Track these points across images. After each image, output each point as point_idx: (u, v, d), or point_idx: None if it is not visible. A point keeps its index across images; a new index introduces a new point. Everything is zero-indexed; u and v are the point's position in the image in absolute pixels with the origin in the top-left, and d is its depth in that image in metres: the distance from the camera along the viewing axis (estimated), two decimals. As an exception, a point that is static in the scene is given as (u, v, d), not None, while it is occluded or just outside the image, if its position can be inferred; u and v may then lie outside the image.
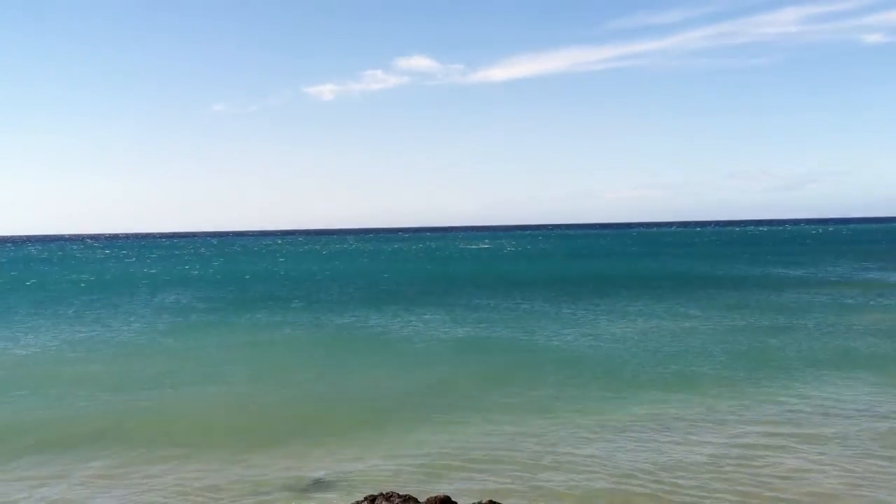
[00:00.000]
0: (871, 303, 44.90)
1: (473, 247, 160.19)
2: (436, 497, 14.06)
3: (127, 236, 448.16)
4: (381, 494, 14.21)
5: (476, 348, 32.58)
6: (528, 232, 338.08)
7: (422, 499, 14.02)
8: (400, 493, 14.17)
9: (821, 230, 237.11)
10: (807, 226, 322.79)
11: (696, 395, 22.90)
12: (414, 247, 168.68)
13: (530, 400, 22.85)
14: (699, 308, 43.71)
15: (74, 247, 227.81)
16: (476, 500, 14.13)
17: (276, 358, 31.12)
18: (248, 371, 28.13)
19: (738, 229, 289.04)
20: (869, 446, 17.80)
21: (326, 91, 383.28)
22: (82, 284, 70.82)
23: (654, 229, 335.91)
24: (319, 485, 15.98)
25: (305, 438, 19.31)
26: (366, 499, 14.19)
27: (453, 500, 14.01)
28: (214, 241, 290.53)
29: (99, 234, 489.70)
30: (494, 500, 14.14)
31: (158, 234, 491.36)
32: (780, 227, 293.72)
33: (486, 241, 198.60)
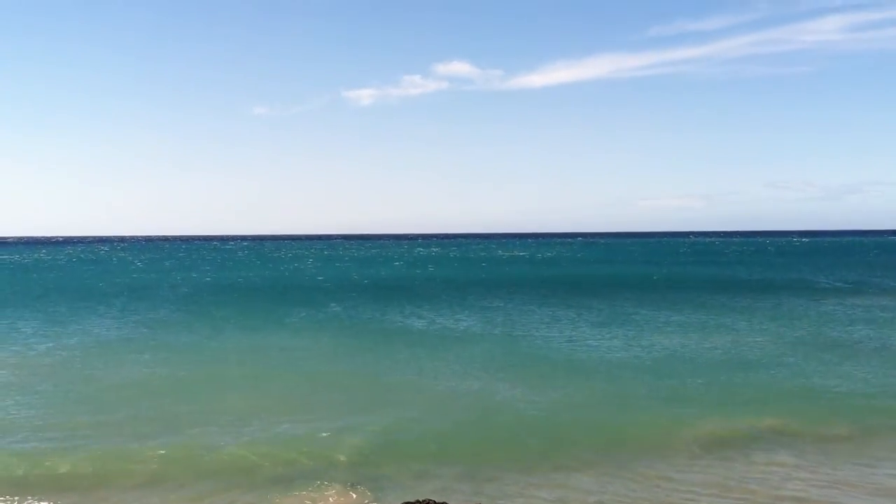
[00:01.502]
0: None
1: (515, 254, 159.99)
2: (470, 507, 14.15)
3: (165, 238, 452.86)
4: (418, 501, 14.35)
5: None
6: (558, 240, 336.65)
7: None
8: (436, 501, 14.29)
9: (868, 241, 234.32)
10: (848, 237, 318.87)
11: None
12: (453, 253, 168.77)
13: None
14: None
15: (118, 249, 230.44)
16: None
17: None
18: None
19: (782, 240, 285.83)
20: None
21: (365, 96, 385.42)
22: (184, 290, 71.64)
23: (689, 238, 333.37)
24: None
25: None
26: (401, 507, 14.32)
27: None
28: (247, 243, 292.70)
29: (135, 237, 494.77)
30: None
31: (196, 236, 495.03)
32: (820, 239, 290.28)
33: (518, 249, 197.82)
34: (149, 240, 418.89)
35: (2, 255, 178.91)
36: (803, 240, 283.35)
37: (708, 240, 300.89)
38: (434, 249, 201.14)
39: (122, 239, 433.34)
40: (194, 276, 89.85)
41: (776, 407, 23.33)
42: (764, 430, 21.05)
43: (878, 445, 19.87)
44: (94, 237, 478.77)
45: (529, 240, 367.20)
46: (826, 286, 68.23)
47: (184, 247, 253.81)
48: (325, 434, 20.45)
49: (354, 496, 16.04)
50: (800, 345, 35.36)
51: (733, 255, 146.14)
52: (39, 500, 15.93)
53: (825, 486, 16.75)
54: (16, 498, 15.97)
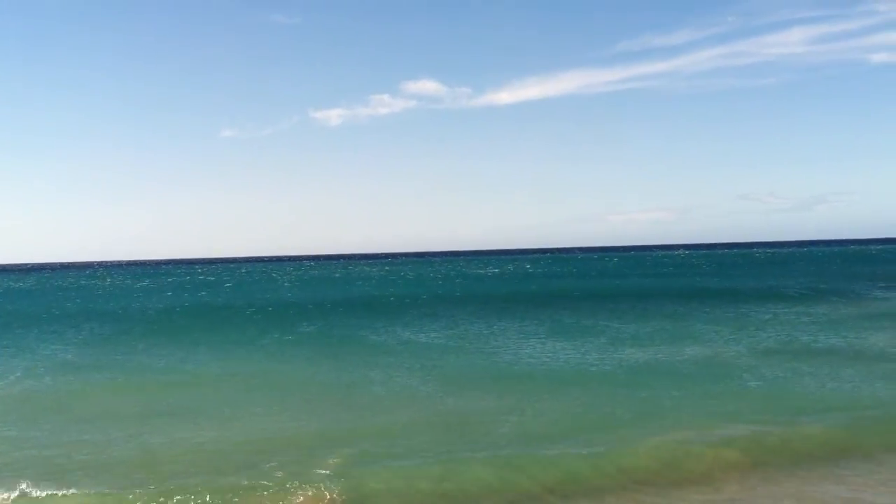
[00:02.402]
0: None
1: (482, 272, 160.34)
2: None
3: (132, 262, 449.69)
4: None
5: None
6: (529, 256, 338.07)
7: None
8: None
9: (835, 251, 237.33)
10: (815, 247, 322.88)
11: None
12: (424, 271, 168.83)
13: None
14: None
15: (83, 274, 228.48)
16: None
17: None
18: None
19: (753, 251, 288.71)
20: None
21: (334, 115, 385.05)
22: (153, 313, 70.89)
23: (660, 252, 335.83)
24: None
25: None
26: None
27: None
28: (217, 266, 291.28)
29: (101, 262, 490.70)
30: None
31: (165, 260, 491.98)
32: (791, 250, 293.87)
33: (490, 266, 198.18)
34: (116, 264, 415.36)
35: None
36: (772, 251, 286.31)
37: (679, 252, 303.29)
38: (405, 268, 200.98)
39: (87, 265, 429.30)
40: (167, 296, 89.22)
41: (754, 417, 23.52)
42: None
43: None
44: (57, 263, 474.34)
45: (500, 256, 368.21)
46: (793, 294, 69.27)
47: (152, 270, 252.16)
48: (302, 459, 20.38)
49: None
50: (769, 353, 35.84)
51: (705, 266, 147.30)
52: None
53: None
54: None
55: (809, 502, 16.56)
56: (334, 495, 17.11)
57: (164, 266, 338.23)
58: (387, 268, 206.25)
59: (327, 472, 18.74)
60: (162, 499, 16.92)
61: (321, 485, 17.73)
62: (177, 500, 16.83)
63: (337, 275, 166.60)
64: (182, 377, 33.77)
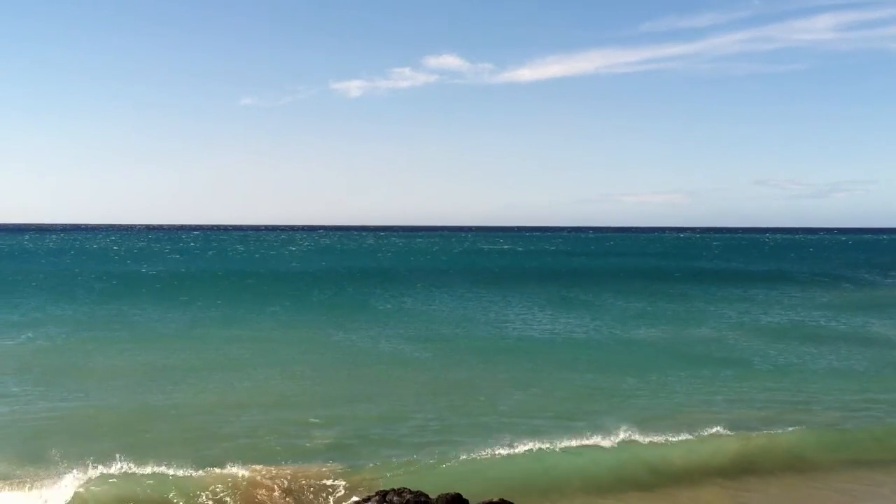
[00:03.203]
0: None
1: (495, 247, 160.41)
2: (447, 494, 14.36)
3: (150, 227, 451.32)
4: (393, 490, 14.53)
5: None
6: (542, 234, 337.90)
7: (433, 495, 14.32)
8: (411, 490, 14.48)
9: (847, 239, 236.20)
10: (831, 235, 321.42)
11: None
12: (438, 246, 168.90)
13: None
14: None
15: (101, 237, 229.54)
16: (487, 500, 14.40)
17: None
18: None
19: (765, 236, 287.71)
20: None
21: (354, 87, 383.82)
22: (166, 279, 71.32)
23: (671, 234, 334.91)
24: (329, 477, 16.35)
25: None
26: (377, 493, 14.51)
27: (464, 497, 14.31)
28: (235, 233, 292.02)
29: (120, 224, 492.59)
30: (506, 499, 14.42)
31: (183, 225, 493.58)
32: (802, 236, 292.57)
33: (503, 242, 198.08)
34: (132, 228, 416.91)
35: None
36: (786, 237, 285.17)
37: (692, 235, 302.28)
38: (420, 241, 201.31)
39: (107, 226, 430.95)
40: (184, 261, 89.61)
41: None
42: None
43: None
44: (77, 224, 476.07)
45: (514, 233, 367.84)
46: (803, 279, 69.31)
47: (169, 235, 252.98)
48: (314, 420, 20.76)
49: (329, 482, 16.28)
50: (776, 336, 35.98)
51: (717, 250, 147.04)
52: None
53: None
54: None
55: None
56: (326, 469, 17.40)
57: (182, 231, 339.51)
58: (400, 241, 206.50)
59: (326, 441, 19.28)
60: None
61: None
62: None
63: (352, 245, 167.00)
64: (190, 343, 33.91)
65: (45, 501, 15.21)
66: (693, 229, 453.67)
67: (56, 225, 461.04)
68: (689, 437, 19.25)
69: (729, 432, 19.69)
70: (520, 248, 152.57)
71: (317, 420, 21.15)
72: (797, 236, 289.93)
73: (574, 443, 18.64)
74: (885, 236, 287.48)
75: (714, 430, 19.69)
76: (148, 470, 16.22)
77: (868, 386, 25.81)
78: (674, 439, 19.03)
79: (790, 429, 20.22)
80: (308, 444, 19.12)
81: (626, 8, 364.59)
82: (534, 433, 19.31)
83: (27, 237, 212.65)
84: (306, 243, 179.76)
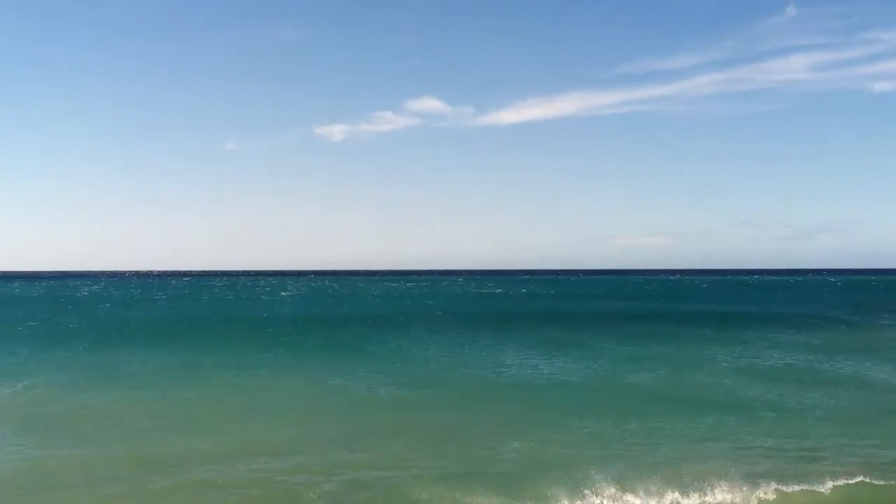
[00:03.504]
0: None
1: (483, 291, 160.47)
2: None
3: (138, 274, 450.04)
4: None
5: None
6: (528, 277, 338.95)
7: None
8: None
9: (835, 280, 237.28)
10: (819, 276, 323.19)
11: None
12: (425, 289, 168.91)
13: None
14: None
15: (86, 284, 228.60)
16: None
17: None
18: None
19: (754, 278, 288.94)
20: None
21: (337, 131, 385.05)
22: (156, 325, 70.93)
23: (659, 277, 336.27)
24: None
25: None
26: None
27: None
28: (219, 280, 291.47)
29: (109, 271, 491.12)
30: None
31: (168, 271, 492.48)
32: (791, 278, 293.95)
33: (490, 286, 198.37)
34: (122, 275, 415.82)
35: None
36: (773, 278, 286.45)
37: (679, 278, 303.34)
38: (408, 285, 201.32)
39: (95, 273, 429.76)
40: (171, 308, 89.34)
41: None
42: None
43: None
44: (57, 272, 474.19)
45: (501, 276, 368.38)
46: (795, 321, 69.50)
47: (155, 281, 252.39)
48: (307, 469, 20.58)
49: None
50: (772, 379, 35.96)
51: (706, 292, 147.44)
52: None
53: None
54: None
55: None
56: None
57: (167, 278, 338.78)
58: (389, 284, 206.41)
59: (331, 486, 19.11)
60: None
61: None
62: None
63: (342, 289, 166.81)
64: (188, 392, 33.76)
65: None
66: (681, 271, 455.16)
67: (44, 272, 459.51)
68: (700, 492, 19.07)
69: (744, 485, 19.43)
70: (510, 292, 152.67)
71: (315, 469, 21.04)
72: (785, 278, 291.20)
73: (576, 496, 18.53)
74: (873, 277, 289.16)
75: (725, 483, 19.35)
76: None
77: (870, 432, 25.70)
78: (685, 495, 18.91)
79: (825, 488, 19.67)
80: (308, 494, 18.99)
81: (602, 51, 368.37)
82: (535, 483, 19.22)
83: (16, 284, 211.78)
84: (297, 288, 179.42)
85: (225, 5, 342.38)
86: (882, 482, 19.90)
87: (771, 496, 19.06)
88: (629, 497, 18.69)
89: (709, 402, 30.57)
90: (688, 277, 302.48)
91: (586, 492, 18.72)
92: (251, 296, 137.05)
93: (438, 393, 32.96)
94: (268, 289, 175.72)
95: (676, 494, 18.89)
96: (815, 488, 19.43)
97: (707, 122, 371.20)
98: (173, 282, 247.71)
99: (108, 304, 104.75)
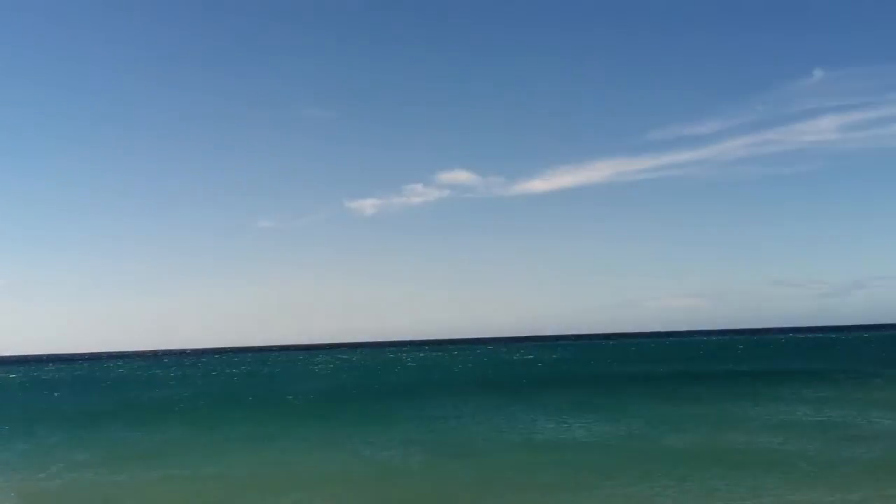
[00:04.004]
0: None
1: (517, 357, 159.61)
2: None
3: (173, 352, 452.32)
4: None
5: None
6: (563, 343, 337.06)
7: None
8: None
9: (875, 335, 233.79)
10: (855, 332, 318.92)
11: None
12: (461, 358, 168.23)
13: None
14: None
15: (119, 365, 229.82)
16: None
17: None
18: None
19: (789, 336, 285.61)
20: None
21: (368, 205, 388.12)
22: (194, 403, 71.11)
23: (694, 338, 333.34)
24: None
25: None
26: None
27: None
28: (250, 355, 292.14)
29: (144, 351, 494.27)
30: None
31: (202, 349, 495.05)
32: (827, 335, 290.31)
33: (525, 352, 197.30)
34: (154, 354, 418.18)
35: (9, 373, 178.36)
36: (810, 336, 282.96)
37: (715, 339, 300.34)
38: (439, 354, 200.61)
39: (121, 354, 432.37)
40: (207, 385, 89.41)
41: None
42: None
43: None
44: (92, 353, 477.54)
45: (535, 342, 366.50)
46: (836, 377, 68.44)
47: (190, 360, 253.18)
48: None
49: None
50: (813, 437, 35.31)
51: (742, 351, 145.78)
52: None
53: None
54: None
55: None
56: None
57: (203, 355, 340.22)
58: (421, 354, 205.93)
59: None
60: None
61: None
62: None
63: (373, 361, 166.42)
64: (218, 468, 33.65)
65: None
66: (716, 332, 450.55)
67: (76, 354, 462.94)
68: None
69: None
70: (543, 357, 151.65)
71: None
72: (821, 335, 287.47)
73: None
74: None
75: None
76: None
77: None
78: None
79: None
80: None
81: (631, 117, 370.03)
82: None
83: (51, 367, 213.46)
84: (328, 361, 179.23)
85: (257, 86, 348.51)
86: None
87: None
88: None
89: (747, 461, 30.04)
90: (724, 338, 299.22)
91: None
92: (283, 370, 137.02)
93: (473, 460, 32.66)
94: (300, 362, 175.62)
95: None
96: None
97: (738, 184, 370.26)
98: (203, 359, 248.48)
99: (139, 384, 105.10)
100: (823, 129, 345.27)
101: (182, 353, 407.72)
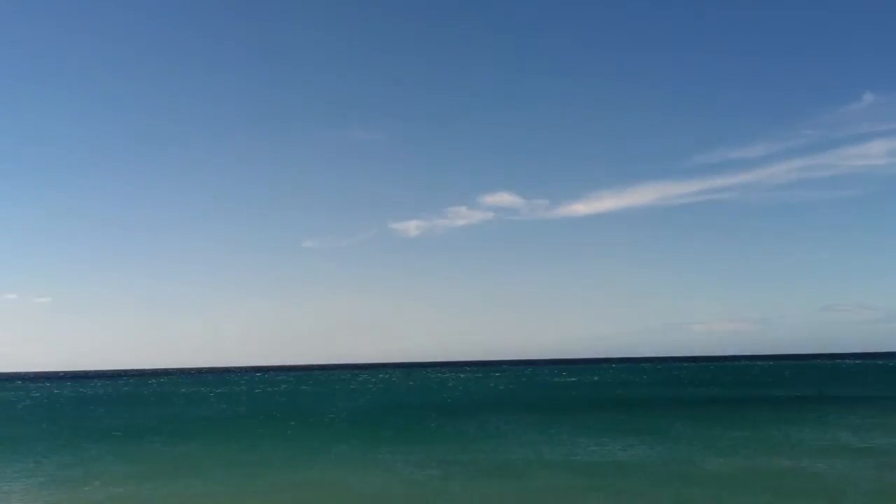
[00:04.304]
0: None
1: (565, 379, 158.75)
2: None
3: (216, 370, 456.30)
4: None
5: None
6: (608, 366, 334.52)
7: None
8: None
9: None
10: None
11: None
12: (500, 379, 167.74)
13: None
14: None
15: (165, 382, 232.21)
16: None
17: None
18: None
19: (837, 362, 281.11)
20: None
21: (412, 227, 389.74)
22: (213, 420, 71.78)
23: (741, 362, 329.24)
24: None
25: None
26: None
27: None
28: (293, 374, 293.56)
29: (188, 369, 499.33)
30: None
31: (247, 367, 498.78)
32: (876, 361, 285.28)
33: (567, 375, 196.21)
34: (198, 371, 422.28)
35: (47, 388, 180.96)
36: (862, 361, 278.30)
37: (762, 364, 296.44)
38: (480, 375, 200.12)
39: (165, 371, 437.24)
40: (250, 403, 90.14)
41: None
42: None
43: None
44: (137, 370, 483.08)
45: (579, 365, 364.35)
46: (882, 402, 67.42)
47: (238, 378, 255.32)
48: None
49: None
50: (861, 465, 34.71)
51: (787, 377, 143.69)
52: None
53: None
54: None
55: None
56: None
57: (246, 373, 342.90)
58: (464, 375, 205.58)
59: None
60: None
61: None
62: None
63: (415, 382, 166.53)
64: (259, 486, 33.79)
65: None
66: (763, 357, 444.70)
67: (121, 370, 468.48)
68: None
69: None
70: (585, 379, 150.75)
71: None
72: (871, 361, 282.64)
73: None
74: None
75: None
76: None
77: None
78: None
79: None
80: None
81: (675, 141, 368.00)
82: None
83: (97, 382, 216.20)
84: (369, 380, 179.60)
85: (303, 109, 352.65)
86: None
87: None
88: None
89: (790, 486, 29.65)
90: (770, 363, 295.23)
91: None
92: (326, 389, 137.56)
93: (512, 482, 32.50)
94: (342, 381, 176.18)
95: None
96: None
97: (786, 209, 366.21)
98: (246, 377, 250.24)
99: (183, 401, 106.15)
100: (873, 153, 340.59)
101: (226, 371, 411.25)
